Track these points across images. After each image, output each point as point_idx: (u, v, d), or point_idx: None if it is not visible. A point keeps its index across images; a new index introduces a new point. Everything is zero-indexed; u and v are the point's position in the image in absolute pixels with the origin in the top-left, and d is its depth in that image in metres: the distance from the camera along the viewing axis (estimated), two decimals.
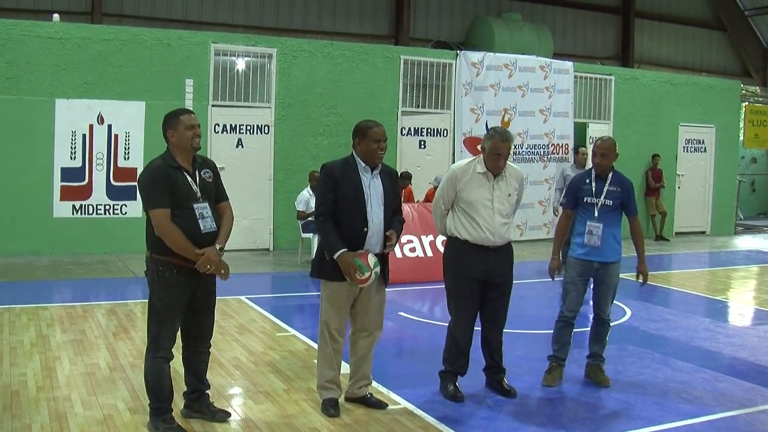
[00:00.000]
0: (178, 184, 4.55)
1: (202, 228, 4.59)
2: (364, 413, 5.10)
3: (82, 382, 5.58)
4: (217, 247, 4.63)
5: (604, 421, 5.14)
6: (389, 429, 4.86)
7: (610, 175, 5.89)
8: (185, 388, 4.98)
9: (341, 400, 5.22)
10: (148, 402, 4.72)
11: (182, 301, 4.61)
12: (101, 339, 6.87)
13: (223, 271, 4.69)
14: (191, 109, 4.83)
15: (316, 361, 5.36)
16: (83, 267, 10.75)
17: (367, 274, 4.86)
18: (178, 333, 4.76)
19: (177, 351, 4.79)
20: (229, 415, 4.97)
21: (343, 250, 4.86)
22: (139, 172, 11.63)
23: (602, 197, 5.84)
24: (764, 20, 23.32)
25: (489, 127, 11.14)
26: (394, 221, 5.14)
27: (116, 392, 5.39)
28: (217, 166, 5.06)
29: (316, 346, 6.68)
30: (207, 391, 5.00)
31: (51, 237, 11.55)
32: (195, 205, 4.59)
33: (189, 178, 4.62)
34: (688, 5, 22.62)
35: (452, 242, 5.53)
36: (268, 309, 8.39)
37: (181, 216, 4.53)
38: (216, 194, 4.80)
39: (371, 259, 4.90)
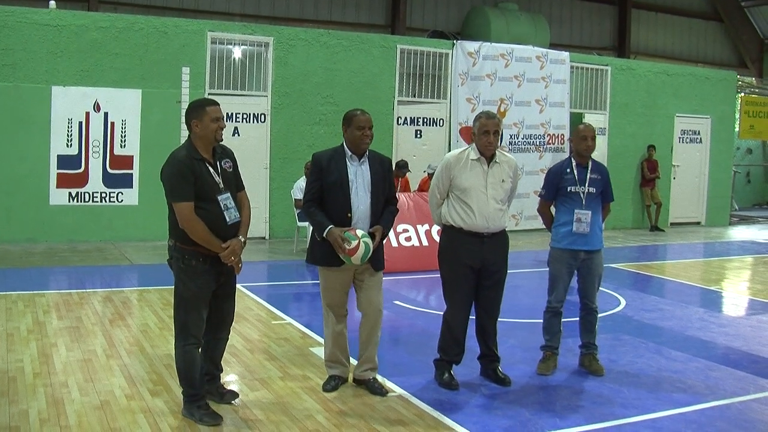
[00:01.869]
0: (202, 176, 4.53)
1: (227, 219, 4.61)
2: (360, 400, 5.14)
3: (78, 369, 5.61)
4: (242, 239, 4.67)
5: (597, 410, 5.17)
6: (384, 416, 4.90)
7: (590, 162, 5.92)
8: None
9: (350, 379, 5.42)
10: (182, 390, 4.75)
11: (209, 289, 4.64)
12: (98, 326, 6.90)
13: (240, 265, 4.72)
14: (216, 100, 4.75)
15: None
16: (79, 254, 10.75)
17: (354, 243, 4.97)
18: None
19: None
20: (237, 395, 5.05)
21: (330, 226, 5.04)
22: (135, 160, 11.90)
23: (586, 185, 5.85)
24: (760, 11, 23.33)
25: None
26: (385, 212, 5.26)
27: (113, 378, 5.42)
28: None
29: (311, 333, 6.81)
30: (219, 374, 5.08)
31: (47, 224, 11.55)
32: (219, 197, 4.60)
33: (211, 170, 4.61)
34: None
35: (447, 230, 5.55)
36: (264, 297, 8.42)
37: (207, 208, 4.53)
38: (235, 183, 4.81)
39: (359, 231, 5.04)
